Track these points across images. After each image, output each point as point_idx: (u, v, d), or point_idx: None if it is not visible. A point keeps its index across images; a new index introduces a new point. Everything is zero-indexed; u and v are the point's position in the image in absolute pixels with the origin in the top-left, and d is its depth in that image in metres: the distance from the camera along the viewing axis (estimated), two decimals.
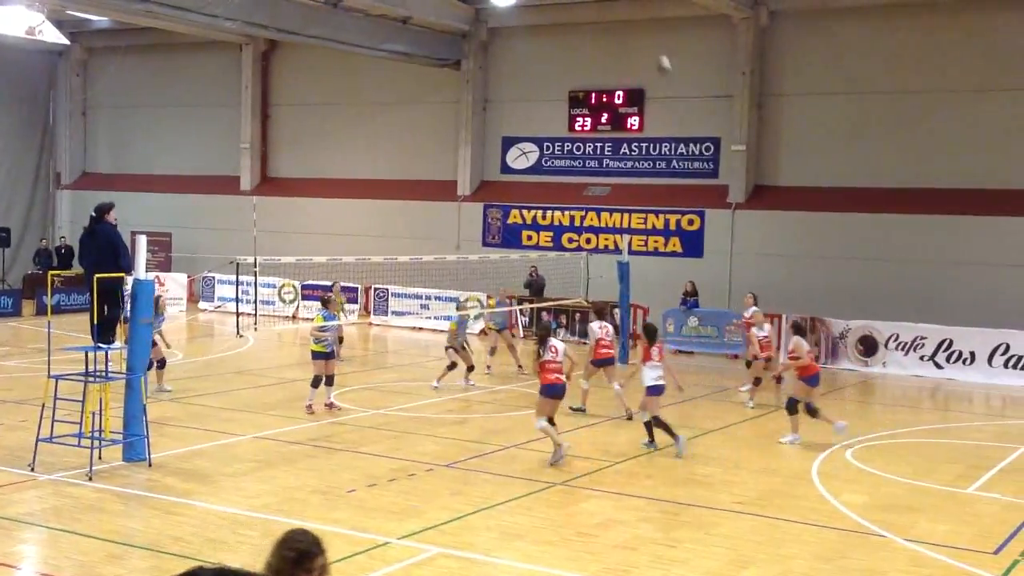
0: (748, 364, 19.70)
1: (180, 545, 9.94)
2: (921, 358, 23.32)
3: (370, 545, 10.09)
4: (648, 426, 14.69)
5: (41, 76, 36.73)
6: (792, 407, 15.49)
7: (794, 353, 15.82)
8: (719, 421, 17.18)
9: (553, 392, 13.71)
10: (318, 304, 18.56)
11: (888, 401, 21.13)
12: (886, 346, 23.63)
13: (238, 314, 17.94)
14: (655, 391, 14.74)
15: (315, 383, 16.59)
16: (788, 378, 17.37)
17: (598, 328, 17.32)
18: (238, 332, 19.53)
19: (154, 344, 17.32)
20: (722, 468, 13.87)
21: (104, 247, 13.41)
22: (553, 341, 13.94)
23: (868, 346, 23.79)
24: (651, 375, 14.72)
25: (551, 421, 13.74)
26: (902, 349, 23.51)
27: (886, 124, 26.31)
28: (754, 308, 19.69)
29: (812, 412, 15.33)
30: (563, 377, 13.79)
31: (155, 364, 17.20)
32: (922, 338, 23.33)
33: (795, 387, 15.79)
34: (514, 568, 9.69)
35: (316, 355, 16.68)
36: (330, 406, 16.65)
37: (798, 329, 16.83)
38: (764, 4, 27.03)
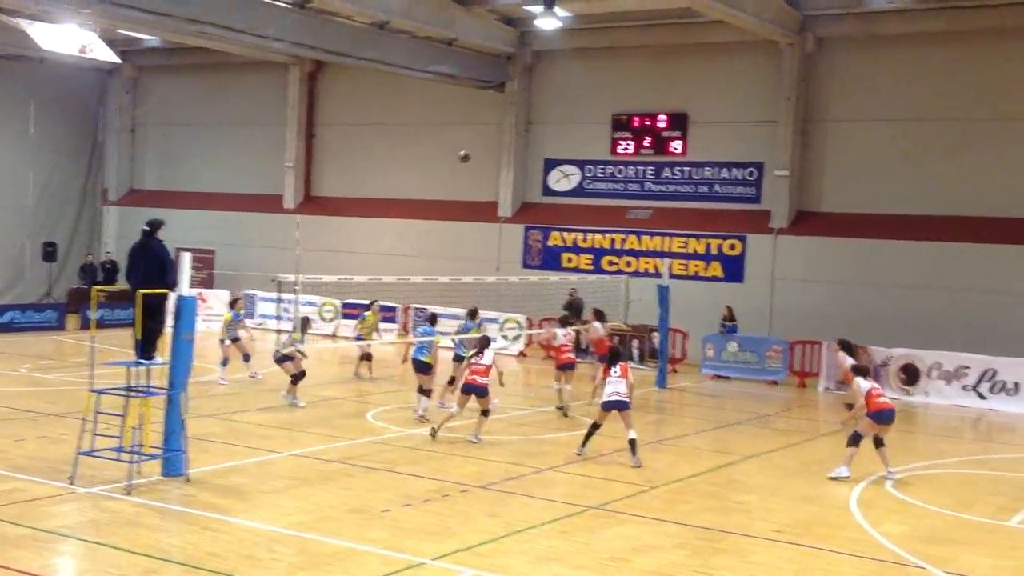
0: None
1: (216, 561, 9.99)
2: (964, 388, 23.03)
3: (404, 565, 10.08)
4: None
5: (91, 93, 37.34)
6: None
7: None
8: (757, 448, 17.03)
9: (472, 390, 16.27)
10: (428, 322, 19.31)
11: (929, 431, 20.84)
12: (928, 375, 23.34)
13: (279, 332, 18.08)
14: (607, 406, 15.39)
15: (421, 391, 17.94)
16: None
17: (562, 335, 19.77)
18: (277, 350, 19.67)
19: None
20: (760, 496, 13.75)
21: (152, 262, 13.60)
22: (487, 350, 16.40)
23: (910, 375, 23.50)
24: (608, 390, 15.43)
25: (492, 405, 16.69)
26: (944, 378, 23.22)
27: (931, 152, 26.10)
28: None
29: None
30: (482, 380, 16.22)
31: None
32: (965, 367, 23.03)
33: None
34: None
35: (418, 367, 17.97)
36: (421, 418, 17.67)
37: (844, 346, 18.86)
38: (810, 30, 26.93)
